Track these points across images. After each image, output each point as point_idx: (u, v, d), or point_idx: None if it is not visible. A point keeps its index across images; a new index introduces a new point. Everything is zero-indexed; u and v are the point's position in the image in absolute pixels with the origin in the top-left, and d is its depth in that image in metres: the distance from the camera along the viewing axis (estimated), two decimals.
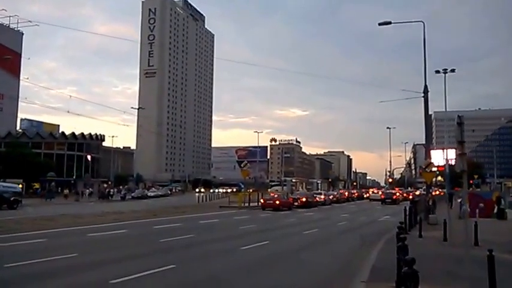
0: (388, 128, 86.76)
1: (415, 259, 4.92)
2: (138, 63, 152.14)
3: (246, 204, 38.92)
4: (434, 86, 27.68)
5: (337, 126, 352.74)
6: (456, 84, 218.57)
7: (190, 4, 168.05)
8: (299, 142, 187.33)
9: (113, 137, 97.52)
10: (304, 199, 41.23)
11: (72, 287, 8.70)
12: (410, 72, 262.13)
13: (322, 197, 48.78)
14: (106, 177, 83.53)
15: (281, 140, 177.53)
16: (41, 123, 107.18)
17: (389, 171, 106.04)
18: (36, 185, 63.31)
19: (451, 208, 26.87)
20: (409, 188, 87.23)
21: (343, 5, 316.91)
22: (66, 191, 58.99)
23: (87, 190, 64.45)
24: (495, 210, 25.29)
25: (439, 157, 30.93)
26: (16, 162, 60.45)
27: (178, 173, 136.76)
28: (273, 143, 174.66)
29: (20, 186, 45.96)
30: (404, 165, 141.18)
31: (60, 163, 77.73)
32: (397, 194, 58.66)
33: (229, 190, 74.58)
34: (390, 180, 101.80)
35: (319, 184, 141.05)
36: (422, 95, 25.56)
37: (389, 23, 24.79)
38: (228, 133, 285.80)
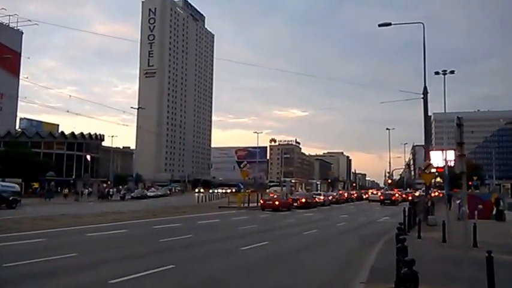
0: (387, 129, 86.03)
1: (415, 260, 4.94)
2: (138, 63, 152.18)
3: (246, 205, 38.92)
4: (434, 87, 27.81)
5: (337, 127, 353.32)
6: (455, 85, 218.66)
7: (190, 4, 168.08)
8: (298, 143, 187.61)
9: (112, 136, 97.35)
10: (303, 200, 41.23)
11: (71, 286, 8.69)
12: (410, 73, 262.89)
13: (322, 197, 48.81)
14: (105, 177, 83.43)
15: (280, 141, 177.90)
16: (40, 123, 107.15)
17: (389, 172, 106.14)
18: (36, 185, 63.19)
19: (449, 209, 26.92)
20: (408, 189, 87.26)
21: (343, 5, 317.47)
22: (65, 191, 58.95)
23: (87, 190, 64.41)
24: (494, 212, 25.34)
25: (438, 158, 30.86)
26: (15, 161, 60.41)
27: (178, 173, 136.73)
28: (273, 143, 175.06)
29: (19, 185, 45.86)
30: (403, 166, 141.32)
31: (60, 163, 77.72)
32: (396, 195, 58.72)
33: (228, 190, 74.56)
34: (389, 181, 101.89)
35: (319, 185, 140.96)
36: (422, 96, 25.62)
37: (389, 24, 24.85)
38: (227, 133, 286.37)
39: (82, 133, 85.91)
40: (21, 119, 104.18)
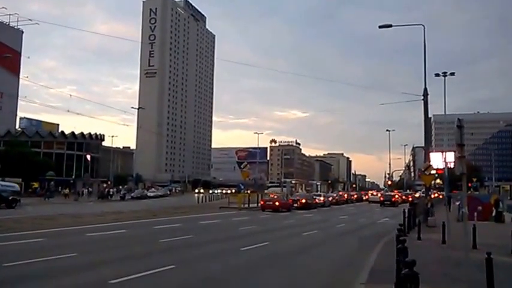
0: (387, 130, 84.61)
1: (416, 261, 4.96)
2: (138, 63, 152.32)
3: (246, 205, 38.94)
4: (433, 88, 27.84)
5: (337, 128, 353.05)
6: (455, 87, 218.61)
7: (191, 4, 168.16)
8: (299, 144, 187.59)
9: (112, 136, 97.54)
10: (303, 201, 41.26)
11: (71, 286, 8.69)
12: (410, 74, 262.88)
13: (322, 198, 48.84)
14: (105, 177, 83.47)
15: (281, 142, 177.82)
16: (40, 122, 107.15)
17: (389, 174, 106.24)
18: (36, 184, 63.19)
19: (449, 211, 26.94)
20: (408, 191, 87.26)
21: (344, 6, 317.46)
22: (66, 191, 58.96)
23: (87, 190, 64.44)
24: (493, 214, 25.41)
25: (438, 160, 30.90)
26: (15, 161, 60.44)
27: (178, 173, 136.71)
28: (273, 144, 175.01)
29: (19, 185, 45.85)
30: (403, 168, 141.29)
31: (60, 162, 77.78)
32: (396, 196, 58.74)
33: (229, 191, 74.52)
34: (389, 182, 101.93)
35: (319, 186, 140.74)
36: (422, 97, 25.65)
37: (390, 25, 24.86)
38: (228, 134, 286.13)
39: (82, 133, 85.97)
40: (21, 118, 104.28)
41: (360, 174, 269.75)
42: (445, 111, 40.91)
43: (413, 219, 19.96)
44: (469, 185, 60.50)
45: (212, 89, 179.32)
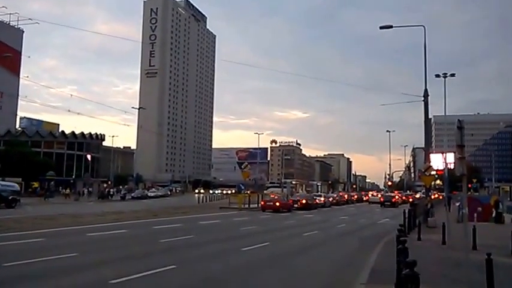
0: (387, 131, 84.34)
1: (416, 261, 4.98)
2: (139, 63, 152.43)
3: (246, 206, 38.96)
4: (433, 89, 27.73)
5: (337, 129, 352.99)
6: (454, 88, 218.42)
7: (192, 4, 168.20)
8: (299, 144, 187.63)
9: (113, 136, 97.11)
10: (304, 201, 41.25)
11: (71, 286, 8.69)
12: (411, 75, 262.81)
13: (322, 199, 48.88)
14: (106, 177, 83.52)
15: (281, 142, 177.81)
16: (40, 122, 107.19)
17: (389, 174, 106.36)
18: (36, 184, 63.22)
19: (448, 212, 26.94)
20: (408, 191, 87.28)
21: (344, 7, 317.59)
22: (67, 191, 58.97)
23: (87, 190, 64.46)
24: (493, 214, 25.42)
25: (438, 161, 30.93)
26: (15, 161, 60.49)
27: (179, 173, 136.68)
28: (274, 144, 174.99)
29: (19, 185, 45.89)
30: (403, 169, 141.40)
31: (60, 162, 77.79)
32: (396, 197, 58.76)
33: (229, 191, 74.50)
34: (389, 183, 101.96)
35: (319, 186, 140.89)
36: (423, 98, 25.63)
37: (391, 26, 24.86)
38: (228, 134, 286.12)
39: (82, 133, 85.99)
40: (21, 118, 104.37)
41: (360, 175, 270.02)
42: (445, 112, 40.95)
43: (414, 220, 19.98)
44: (469, 186, 60.49)
45: (213, 89, 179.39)
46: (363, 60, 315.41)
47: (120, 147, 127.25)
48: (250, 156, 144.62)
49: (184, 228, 21.23)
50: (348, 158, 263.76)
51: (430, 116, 28.38)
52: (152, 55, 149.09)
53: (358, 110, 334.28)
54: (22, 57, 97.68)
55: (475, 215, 20.91)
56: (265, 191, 63.82)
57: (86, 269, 10.31)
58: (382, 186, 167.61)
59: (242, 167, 56.99)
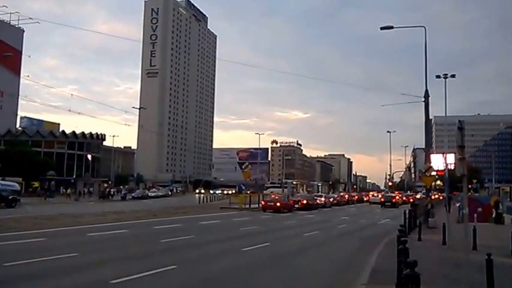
0: (388, 131, 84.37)
1: (417, 261, 4.98)
2: (139, 62, 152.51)
3: (247, 206, 38.96)
4: (434, 90, 27.63)
5: (338, 129, 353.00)
6: (454, 88, 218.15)
7: (193, 4, 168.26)
8: (300, 144, 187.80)
9: (113, 136, 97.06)
10: (304, 201, 41.22)
11: (71, 286, 8.69)
12: (411, 75, 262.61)
13: (323, 199, 48.84)
14: (106, 176, 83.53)
15: (282, 142, 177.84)
16: (41, 122, 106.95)
17: (389, 175, 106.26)
18: (36, 184, 63.26)
19: (449, 212, 26.98)
20: (409, 192, 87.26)
21: (345, 7, 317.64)
22: (68, 191, 58.95)
23: (87, 190, 64.48)
24: (493, 215, 25.43)
25: (439, 161, 30.98)
26: (16, 160, 60.53)
27: (179, 173, 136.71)
28: (274, 145, 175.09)
29: (19, 185, 45.89)
30: (404, 169, 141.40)
31: (60, 162, 77.80)
32: (397, 197, 58.75)
33: (230, 192, 74.48)
34: (390, 183, 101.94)
35: (320, 186, 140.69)
36: (423, 99, 25.61)
37: (391, 27, 24.82)
38: (229, 134, 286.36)
39: (83, 132, 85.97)
40: (21, 117, 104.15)
41: (360, 175, 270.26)
42: (445, 113, 40.84)
43: (414, 220, 19.98)
44: (469, 186, 60.50)
45: (213, 89, 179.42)
46: (363, 60, 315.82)
47: (120, 147, 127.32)
48: (251, 157, 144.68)
49: (184, 228, 21.24)
50: (349, 159, 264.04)
51: (430, 117, 28.36)
52: (153, 55, 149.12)
53: (358, 110, 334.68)
54: (22, 56, 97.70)
55: (475, 215, 20.90)
56: (264, 191, 63.89)
57: (86, 269, 10.30)
58: (382, 187, 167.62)
59: (243, 167, 56.92)
